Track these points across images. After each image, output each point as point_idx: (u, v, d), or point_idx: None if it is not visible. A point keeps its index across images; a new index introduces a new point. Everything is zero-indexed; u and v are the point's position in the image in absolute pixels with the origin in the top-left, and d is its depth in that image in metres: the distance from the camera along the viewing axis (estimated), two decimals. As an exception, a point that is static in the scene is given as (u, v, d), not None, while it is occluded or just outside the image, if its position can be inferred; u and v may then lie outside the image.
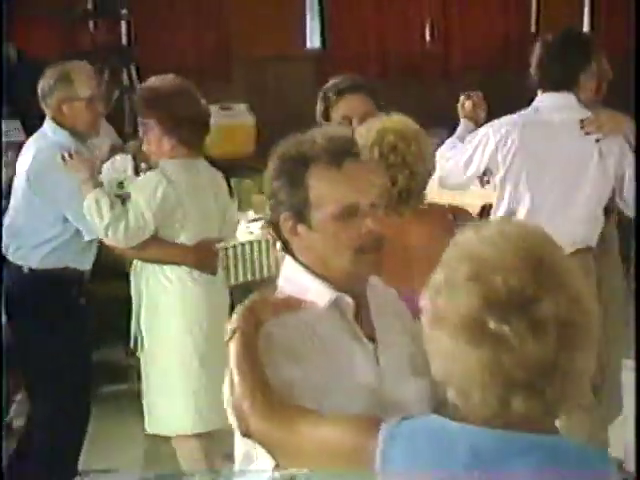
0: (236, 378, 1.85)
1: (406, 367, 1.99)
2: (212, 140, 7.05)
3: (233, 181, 6.83)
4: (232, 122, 7.29)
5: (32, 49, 6.76)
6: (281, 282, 2.02)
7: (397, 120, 3.07)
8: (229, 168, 5.92)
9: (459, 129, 4.25)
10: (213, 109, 7.12)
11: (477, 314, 1.46)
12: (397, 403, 1.91)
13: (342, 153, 1.93)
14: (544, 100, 3.97)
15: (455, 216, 3.19)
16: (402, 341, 2.02)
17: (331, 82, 3.67)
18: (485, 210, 5.21)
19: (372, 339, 1.97)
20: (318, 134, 1.97)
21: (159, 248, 3.81)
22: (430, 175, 3.13)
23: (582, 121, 3.88)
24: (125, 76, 6.95)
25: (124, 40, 7.31)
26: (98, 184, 3.88)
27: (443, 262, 1.57)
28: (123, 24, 7.25)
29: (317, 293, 1.95)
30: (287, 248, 2.00)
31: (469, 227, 1.59)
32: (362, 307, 1.99)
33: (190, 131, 3.81)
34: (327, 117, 3.59)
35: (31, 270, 3.98)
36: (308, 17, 8.43)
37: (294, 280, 1.98)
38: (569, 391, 1.49)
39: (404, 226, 3.02)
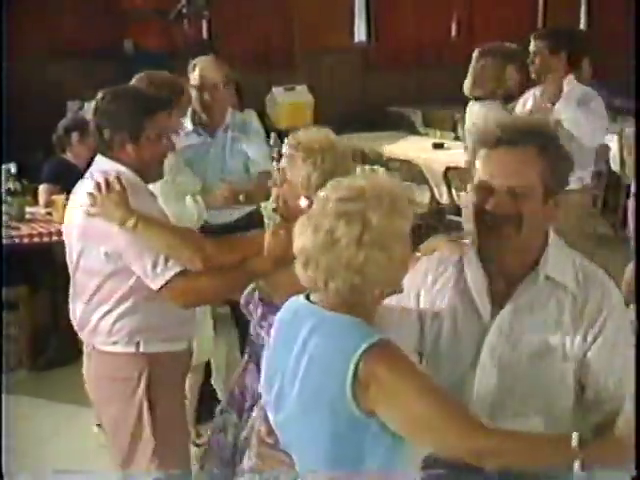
0: None
1: None
2: (278, 115, 8.47)
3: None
4: (294, 100, 8.65)
5: (144, 42, 8.44)
6: None
7: None
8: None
9: None
10: (279, 90, 8.54)
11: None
12: None
13: (498, 140, 2.11)
14: None
15: None
16: None
17: None
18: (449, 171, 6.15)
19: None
20: (498, 121, 2.21)
21: None
22: None
23: None
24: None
25: (205, 34, 8.81)
26: None
27: None
28: (204, 22, 8.73)
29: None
30: None
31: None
32: None
33: None
34: None
35: None
36: (356, 15, 9.77)
37: None
38: (329, 273, 1.95)
39: None
